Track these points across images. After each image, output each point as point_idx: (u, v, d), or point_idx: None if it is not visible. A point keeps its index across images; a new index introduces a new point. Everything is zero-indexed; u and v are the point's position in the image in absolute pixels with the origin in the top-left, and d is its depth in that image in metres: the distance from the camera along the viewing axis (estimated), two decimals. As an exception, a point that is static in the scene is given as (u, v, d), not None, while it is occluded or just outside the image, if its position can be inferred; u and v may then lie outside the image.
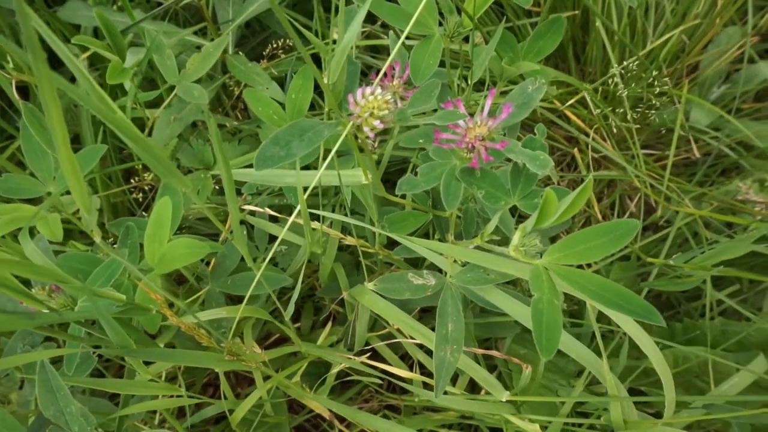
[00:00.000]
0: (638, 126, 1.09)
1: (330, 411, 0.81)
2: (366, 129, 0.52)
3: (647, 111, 1.07)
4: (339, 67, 0.50)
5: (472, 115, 0.61)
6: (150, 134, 0.93)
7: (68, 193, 0.61)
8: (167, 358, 0.69)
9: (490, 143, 0.60)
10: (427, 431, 0.86)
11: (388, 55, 0.65)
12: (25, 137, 0.70)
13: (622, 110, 1.04)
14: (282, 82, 0.97)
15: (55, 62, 0.63)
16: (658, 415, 0.73)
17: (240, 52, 0.99)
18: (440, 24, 0.67)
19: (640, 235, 1.03)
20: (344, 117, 0.53)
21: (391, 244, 0.82)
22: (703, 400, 0.77)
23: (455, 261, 0.71)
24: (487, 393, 0.75)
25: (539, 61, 0.72)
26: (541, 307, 0.47)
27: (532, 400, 0.77)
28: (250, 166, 0.56)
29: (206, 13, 0.99)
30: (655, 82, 1.02)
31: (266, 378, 0.80)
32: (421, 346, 0.87)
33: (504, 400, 0.73)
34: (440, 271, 0.72)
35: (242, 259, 0.81)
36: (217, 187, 0.95)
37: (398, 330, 0.86)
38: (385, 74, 0.71)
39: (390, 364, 0.84)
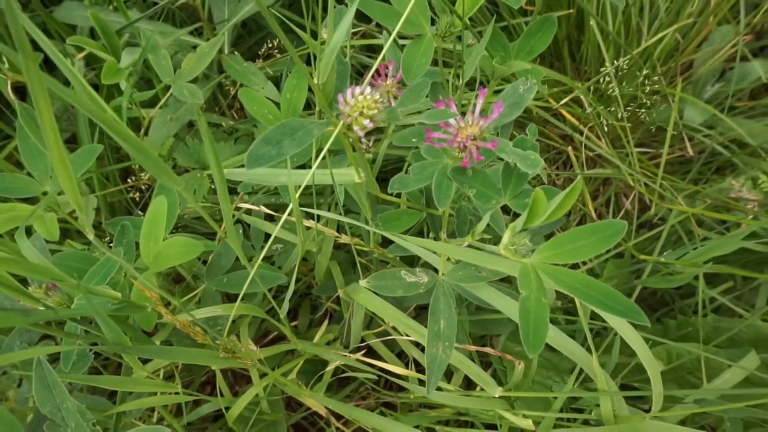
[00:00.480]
0: (632, 124, 1.09)
1: (326, 408, 0.82)
2: (356, 128, 0.52)
3: (638, 110, 1.07)
4: (328, 66, 0.51)
5: (464, 114, 0.61)
6: (146, 134, 0.94)
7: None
8: (163, 355, 0.69)
9: (482, 143, 0.60)
10: (423, 428, 0.86)
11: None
12: (22, 137, 0.70)
13: (615, 109, 1.04)
14: (278, 81, 0.97)
15: (52, 64, 0.64)
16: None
17: (236, 52, 1.00)
18: (433, 23, 0.68)
19: (634, 233, 1.04)
20: (334, 116, 0.53)
21: (387, 242, 0.83)
22: (695, 395, 0.77)
23: (448, 259, 0.71)
24: (482, 389, 0.76)
25: (532, 60, 0.73)
26: (528, 305, 0.48)
27: (525, 396, 0.78)
28: (246, 165, 0.56)
29: (202, 13, 1.00)
30: (646, 81, 1.03)
31: (263, 375, 0.81)
32: (416, 344, 0.87)
33: (497, 396, 0.74)
34: (434, 269, 0.73)
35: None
36: (213, 186, 0.95)
37: (393, 328, 0.86)
38: (378, 74, 0.71)
39: (386, 362, 0.84)
